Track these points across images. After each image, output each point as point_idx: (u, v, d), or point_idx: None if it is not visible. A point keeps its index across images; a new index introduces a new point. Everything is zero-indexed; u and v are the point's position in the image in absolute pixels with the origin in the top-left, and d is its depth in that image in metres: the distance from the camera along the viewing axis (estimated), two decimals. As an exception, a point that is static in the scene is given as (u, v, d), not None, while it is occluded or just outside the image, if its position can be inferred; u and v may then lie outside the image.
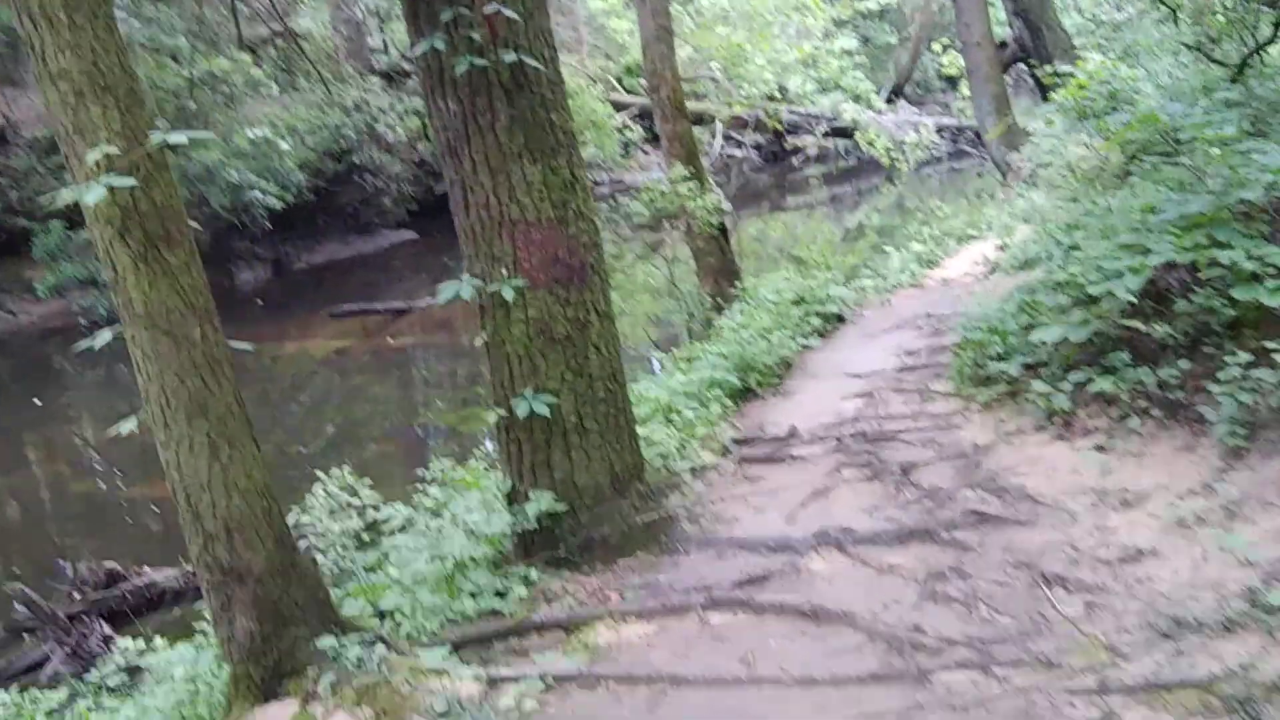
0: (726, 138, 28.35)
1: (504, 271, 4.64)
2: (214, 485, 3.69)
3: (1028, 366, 6.15)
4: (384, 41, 22.78)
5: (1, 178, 16.95)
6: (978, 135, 26.67)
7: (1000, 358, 6.32)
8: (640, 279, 10.28)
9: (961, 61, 28.34)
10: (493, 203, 4.62)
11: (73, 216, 16.92)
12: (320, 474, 6.27)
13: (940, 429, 6.19)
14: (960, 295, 10.14)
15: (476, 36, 4.43)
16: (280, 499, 3.99)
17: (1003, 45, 21.39)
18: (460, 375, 13.91)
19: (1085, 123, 13.13)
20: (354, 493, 6.10)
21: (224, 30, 15.87)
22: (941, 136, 25.91)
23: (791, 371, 8.35)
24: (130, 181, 3.35)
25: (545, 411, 4.58)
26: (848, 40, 30.29)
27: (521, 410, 4.59)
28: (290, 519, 4.70)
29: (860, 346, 8.84)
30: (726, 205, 10.70)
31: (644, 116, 26.66)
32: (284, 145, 17.25)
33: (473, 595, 4.51)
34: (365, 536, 5.88)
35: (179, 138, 3.45)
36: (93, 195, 3.27)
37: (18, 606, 6.93)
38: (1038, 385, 5.66)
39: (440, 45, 4.42)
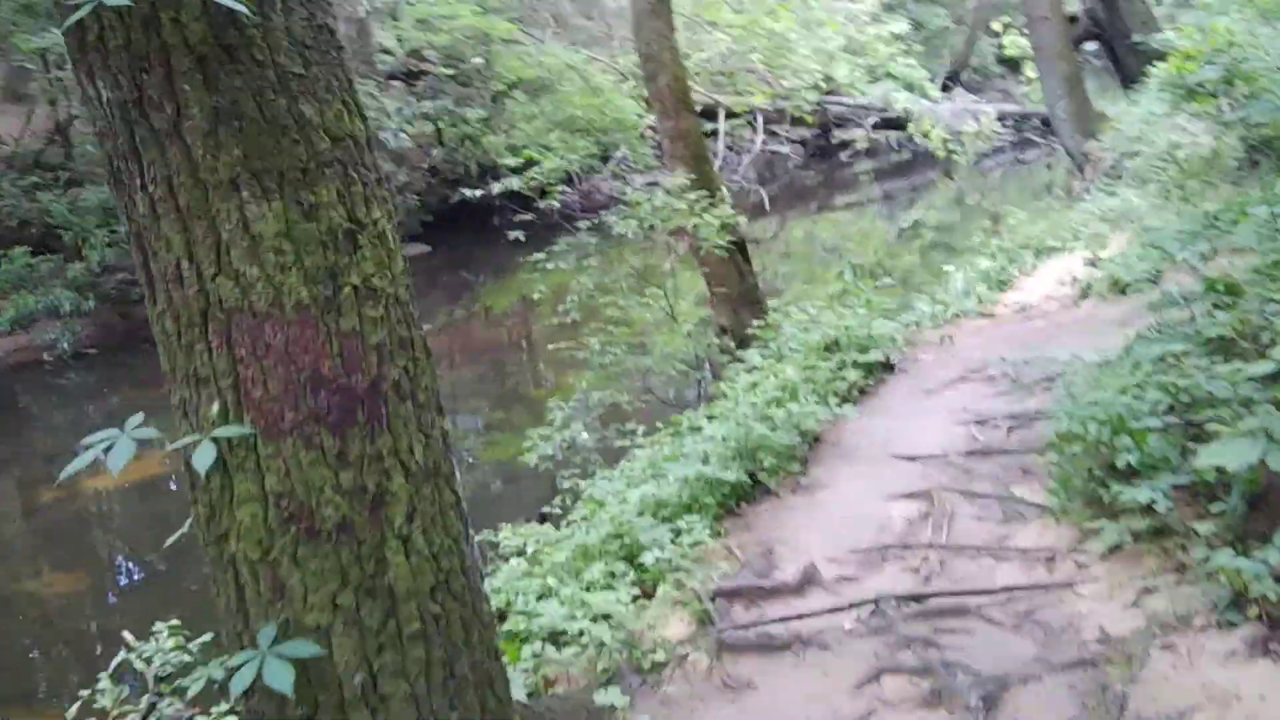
0: (770, 133, 25.89)
1: (216, 407, 2.39)
2: None
3: (1180, 489, 3.74)
4: (397, 39, 20.65)
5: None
6: (1045, 122, 23.79)
7: (1131, 473, 3.90)
8: (637, 314, 7.92)
9: (1025, 41, 25.60)
10: (188, 275, 2.36)
11: (36, 244, 15.11)
12: None
13: (1041, 593, 3.80)
14: (1044, 330, 7.69)
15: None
16: None
17: (1072, 20, 18.65)
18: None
19: (1186, 105, 10.50)
20: None
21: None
22: (1004, 125, 23.12)
23: (819, 450, 5.99)
24: None
25: (289, 677, 2.32)
26: (898, 24, 27.64)
27: (249, 677, 2.33)
28: None
29: (913, 411, 6.44)
30: (741, 218, 8.34)
31: (678, 113, 24.33)
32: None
33: None
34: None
35: None
36: None
37: None
38: (1220, 558, 3.22)
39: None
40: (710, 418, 5.83)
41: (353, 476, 2.45)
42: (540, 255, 7.65)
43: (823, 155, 27.05)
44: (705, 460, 5.30)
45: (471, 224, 18.72)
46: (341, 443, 2.44)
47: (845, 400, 6.63)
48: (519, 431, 8.00)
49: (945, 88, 29.10)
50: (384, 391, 2.50)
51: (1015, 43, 24.88)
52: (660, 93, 8.63)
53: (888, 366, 7.18)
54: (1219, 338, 4.42)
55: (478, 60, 20.29)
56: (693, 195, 8.05)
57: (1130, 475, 3.88)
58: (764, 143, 25.70)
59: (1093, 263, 8.85)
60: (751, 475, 5.51)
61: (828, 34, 27.39)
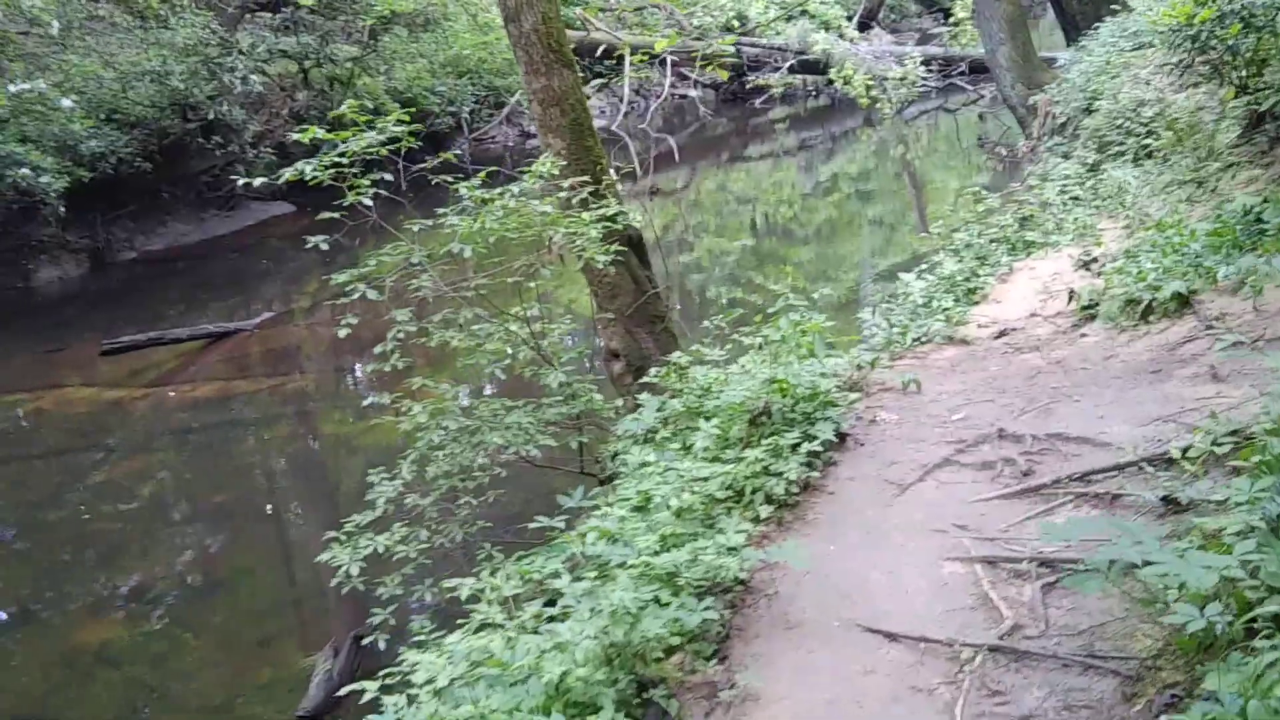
0: (679, 77, 23.32)
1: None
2: None
3: None
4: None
5: None
6: (974, 68, 21.72)
7: None
8: (497, 345, 5.50)
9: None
10: None
11: None
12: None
13: None
14: (1042, 372, 5.55)
15: None
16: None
17: (1012, -45, 16.48)
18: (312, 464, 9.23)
19: (1182, 52, 8.33)
20: None
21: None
22: (929, 70, 20.96)
23: (747, 616, 3.78)
24: None
25: None
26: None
27: None
28: None
29: (882, 525, 4.24)
30: (636, 219, 5.97)
31: (578, 53, 21.59)
32: (65, 103, 12.22)
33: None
34: None
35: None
36: None
37: None
38: None
39: None
40: (577, 579, 3.53)
41: None
42: (342, 277, 5.18)
43: (735, 101, 24.65)
44: (559, 688, 3.03)
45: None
46: None
47: (783, 505, 4.42)
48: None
49: (863, 27, 26.81)
50: None
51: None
52: (525, 38, 6.15)
53: (839, 437, 4.96)
54: None
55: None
56: (566, 185, 5.66)
57: None
58: (673, 86, 23.16)
59: (1087, 264, 6.74)
60: (639, 685, 3.29)
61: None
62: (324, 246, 5.38)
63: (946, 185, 18.00)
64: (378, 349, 5.25)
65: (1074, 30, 15.30)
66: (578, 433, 5.56)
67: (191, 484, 8.54)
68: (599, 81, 19.16)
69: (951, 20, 24.07)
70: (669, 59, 22.01)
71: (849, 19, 25.35)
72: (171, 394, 9.70)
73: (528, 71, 6.27)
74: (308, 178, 5.17)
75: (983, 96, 19.94)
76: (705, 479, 4.15)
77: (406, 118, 5.38)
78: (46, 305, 13.23)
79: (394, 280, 5.23)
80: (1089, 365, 5.44)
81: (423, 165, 5.53)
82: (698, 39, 20.01)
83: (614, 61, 21.32)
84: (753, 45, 22.41)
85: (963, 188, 18.01)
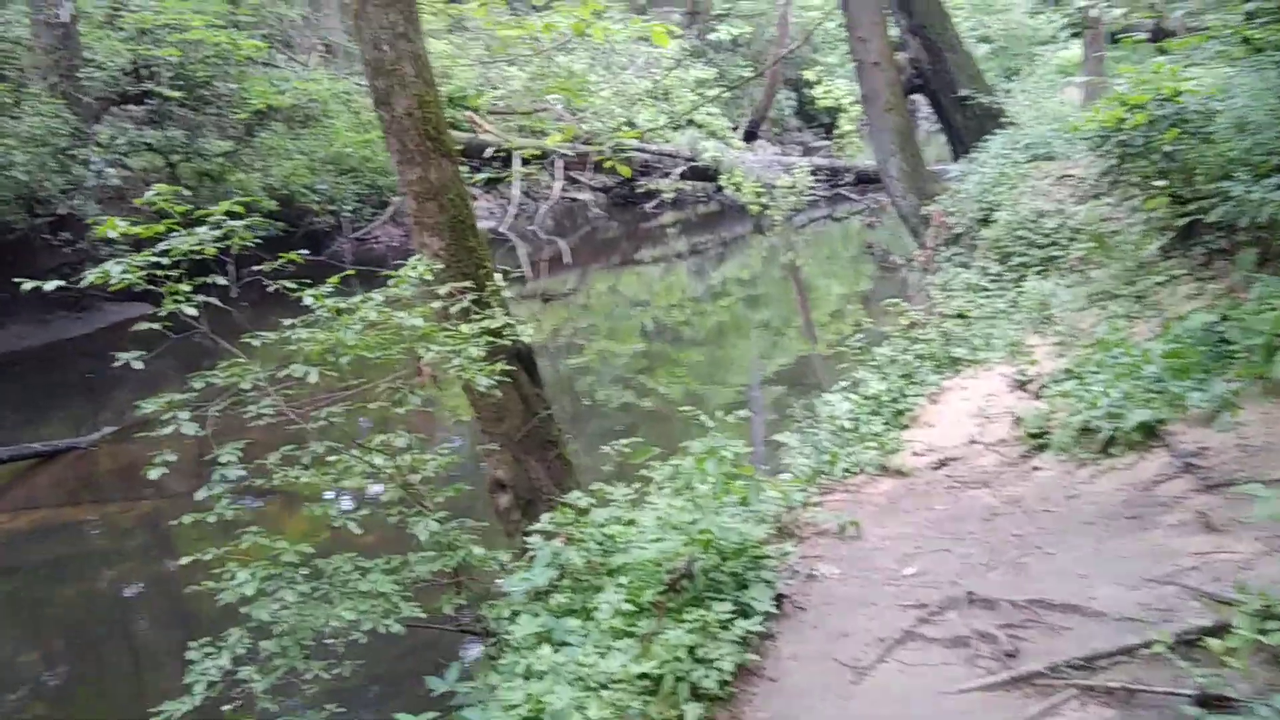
0: (570, 180, 22.80)
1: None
2: None
3: None
4: (123, 53, 16.14)
5: None
6: (860, 179, 21.85)
7: None
8: (356, 480, 4.38)
9: (840, 91, 23.66)
10: None
11: None
12: None
13: None
14: (996, 513, 4.75)
15: None
16: None
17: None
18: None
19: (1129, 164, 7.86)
20: None
21: None
22: (816, 179, 20.91)
23: None
24: None
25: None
26: (702, 72, 25.28)
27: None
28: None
29: (844, 731, 3.30)
30: (524, 332, 5.00)
31: (466, 154, 20.82)
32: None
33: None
34: None
35: None
36: None
37: None
38: None
39: None
40: None
41: None
42: (150, 406, 4.08)
43: (626, 204, 24.19)
44: None
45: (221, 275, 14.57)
46: None
47: (715, 700, 3.42)
48: None
49: (748, 138, 26.95)
50: None
51: (831, 92, 22.86)
52: (398, 124, 5.21)
53: (776, 602, 4.00)
54: None
55: (221, 84, 16.16)
56: (443, 292, 4.68)
57: None
58: (563, 190, 22.60)
59: (1023, 384, 6.06)
60: None
61: (629, 77, 24.71)
62: (137, 365, 4.27)
63: (832, 292, 17.76)
64: (198, 494, 4.09)
65: (960, 144, 15.32)
66: (454, 591, 4.46)
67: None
68: (485, 179, 18.39)
69: (836, 133, 24.32)
70: (559, 161, 21.52)
71: (734, 129, 25.42)
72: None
73: (401, 161, 5.32)
74: (112, 282, 4.09)
75: (869, 207, 19.93)
76: (617, 679, 3.13)
77: (241, 209, 4.35)
78: None
79: (223, 409, 4.12)
80: (1052, 507, 4.65)
81: (259, 268, 4.46)
82: (587, 142, 19.55)
83: (501, 163, 20.70)
84: (643, 150, 22.09)
85: (851, 294, 17.87)
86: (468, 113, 22.36)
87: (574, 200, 23.46)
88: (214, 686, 4.08)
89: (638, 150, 21.89)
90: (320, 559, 4.18)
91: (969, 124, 15.32)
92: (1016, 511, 4.70)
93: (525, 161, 19.20)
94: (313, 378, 3.86)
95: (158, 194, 4.35)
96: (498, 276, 5.29)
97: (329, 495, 5.39)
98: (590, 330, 17.41)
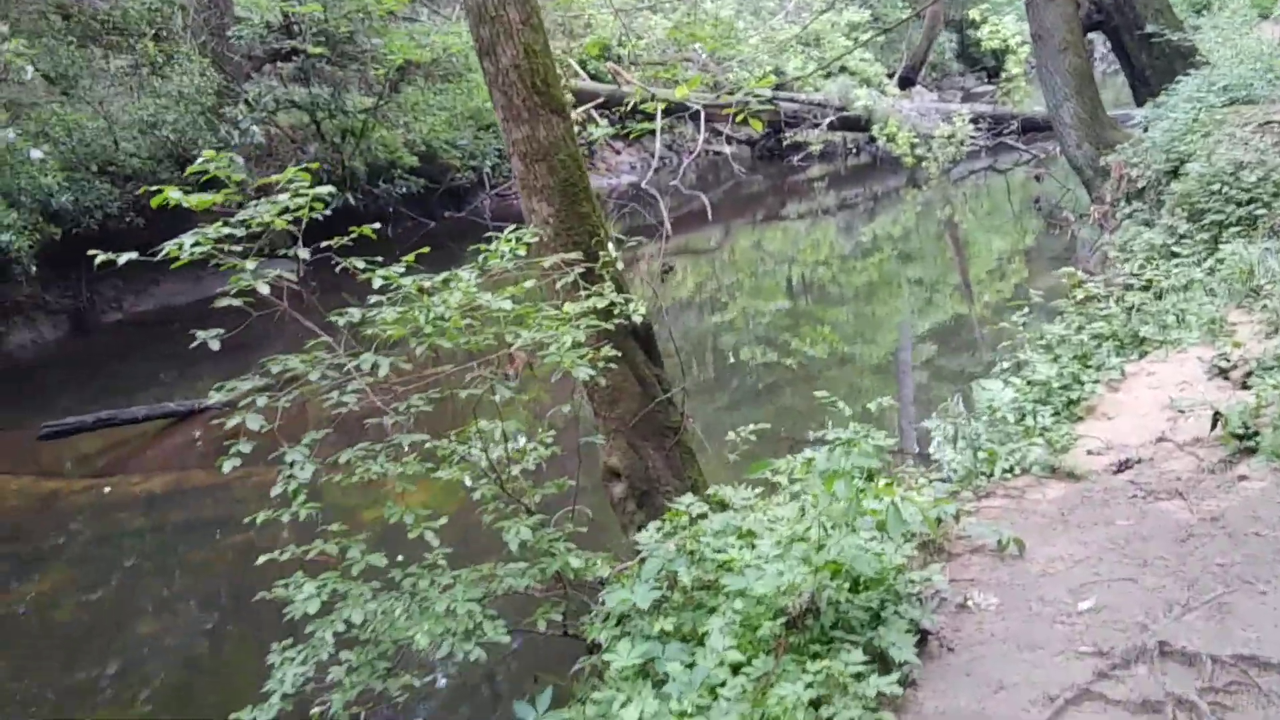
0: (713, 132, 22.00)
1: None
2: None
3: None
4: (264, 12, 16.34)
5: None
6: (1026, 126, 20.18)
7: None
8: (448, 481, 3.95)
9: (1007, 31, 21.91)
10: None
11: None
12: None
13: None
14: (1194, 531, 3.91)
15: None
16: None
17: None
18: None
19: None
20: None
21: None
22: (978, 128, 19.43)
23: None
24: None
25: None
26: (855, 14, 23.91)
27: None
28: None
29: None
30: (638, 310, 4.45)
31: (608, 106, 20.31)
32: (35, 154, 10.98)
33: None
34: None
35: None
36: None
37: None
38: None
39: None
40: None
41: None
42: (218, 395, 3.74)
43: (771, 158, 23.24)
44: None
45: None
46: None
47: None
48: None
49: (904, 84, 25.40)
50: None
51: (998, 32, 21.16)
52: (503, 76, 4.70)
53: (919, 639, 3.36)
54: None
55: (364, 40, 16.13)
56: (548, 264, 4.16)
57: None
58: (706, 143, 21.82)
59: (1225, 372, 5.11)
60: None
61: (778, 23, 23.62)
62: (214, 346, 3.95)
63: (993, 248, 16.48)
64: (274, 490, 3.74)
65: (1144, 87, 13.79)
66: (551, 603, 3.99)
67: (110, 610, 6.89)
68: (627, 133, 17.86)
69: (1003, 76, 22.57)
70: (702, 114, 20.77)
71: (890, 76, 23.99)
72: (107, 490, 8.18)
73: (506, 118, 4.81)
74: (185, 256, 3.75)
75: (1034, 156, 18.38)
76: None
77: (306, 176, 3.94)
78: (15, 372, 11.90)
79: (294, 397, 3.75)
80: (1264, 530, 3.80)
81: (340, 240, 4.03)
82: (731, 93, 18.70)
83: (645, 116, 20.09)
84: (790, 100, 21.07)
85: (1013, 251, 16.53)
86: (610, 64, 21.82)
87: (718, 154, 22.68)
88: (297, 691, 3.76)
89: (785, 100, 20.90)
90: (396, 568, 3.76)
91: (1156, 64, 13.74)
92: (1218, 533, 3.86)
93: (666, 113, 18.53)
94: (383, 370, 3.41)
95: (207, 160, 3.96)
96: (611, 246, 4.73)
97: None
98: (734, 287, 16.83)
